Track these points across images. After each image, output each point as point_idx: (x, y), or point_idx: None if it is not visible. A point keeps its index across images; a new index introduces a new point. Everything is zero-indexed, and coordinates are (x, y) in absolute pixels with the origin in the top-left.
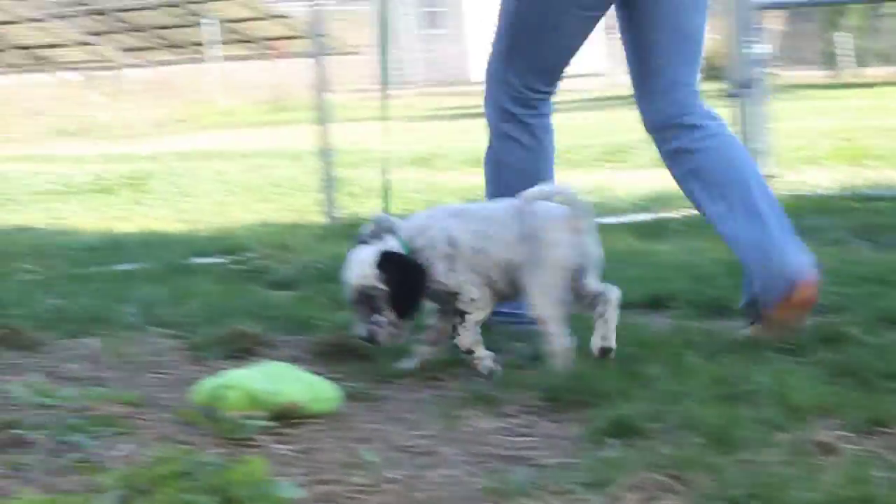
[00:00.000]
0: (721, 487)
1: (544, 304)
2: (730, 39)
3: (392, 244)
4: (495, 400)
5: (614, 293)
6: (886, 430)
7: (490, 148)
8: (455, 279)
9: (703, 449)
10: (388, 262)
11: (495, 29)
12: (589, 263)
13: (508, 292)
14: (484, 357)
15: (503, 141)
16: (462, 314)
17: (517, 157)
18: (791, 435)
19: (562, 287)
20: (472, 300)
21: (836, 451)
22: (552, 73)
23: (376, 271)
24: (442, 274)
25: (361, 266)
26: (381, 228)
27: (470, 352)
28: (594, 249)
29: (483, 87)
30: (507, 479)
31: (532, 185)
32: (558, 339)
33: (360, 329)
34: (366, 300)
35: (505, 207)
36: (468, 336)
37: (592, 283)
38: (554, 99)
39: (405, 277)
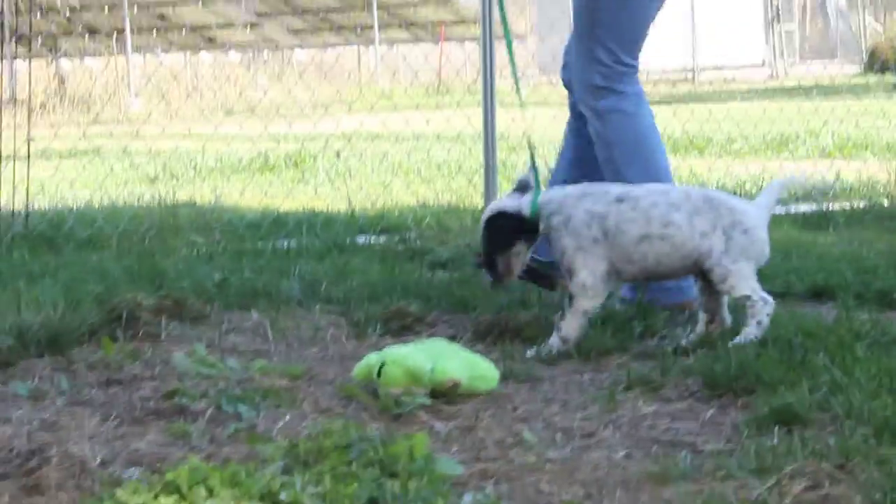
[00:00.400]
0: (887, 479)
1: (750, 283)
2: None
3: (520, 203)
4: (656, 384)
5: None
6: None
7: (595, 135)
8: (578, 260)
9: (869, 440)
10: (491, 219)
11: (573, 14)
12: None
13: (685, 273)
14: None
15: (604, 119)
16: (572, 298)
17: (626, 128)
18: None
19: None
20: (584, 286)
21: None
22: (636, 42)
23: (481, 227)
24: (569, 250)
25: (483, 217)
26: (524, 183)
27: (565, 340)
28: None
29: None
30: (668, 463)
31: (648, 154)
32: (766, 304)
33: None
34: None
35: (686, 194)
36: (574, 325)
37: None
38: (715, 89)
39: (491, 237)
